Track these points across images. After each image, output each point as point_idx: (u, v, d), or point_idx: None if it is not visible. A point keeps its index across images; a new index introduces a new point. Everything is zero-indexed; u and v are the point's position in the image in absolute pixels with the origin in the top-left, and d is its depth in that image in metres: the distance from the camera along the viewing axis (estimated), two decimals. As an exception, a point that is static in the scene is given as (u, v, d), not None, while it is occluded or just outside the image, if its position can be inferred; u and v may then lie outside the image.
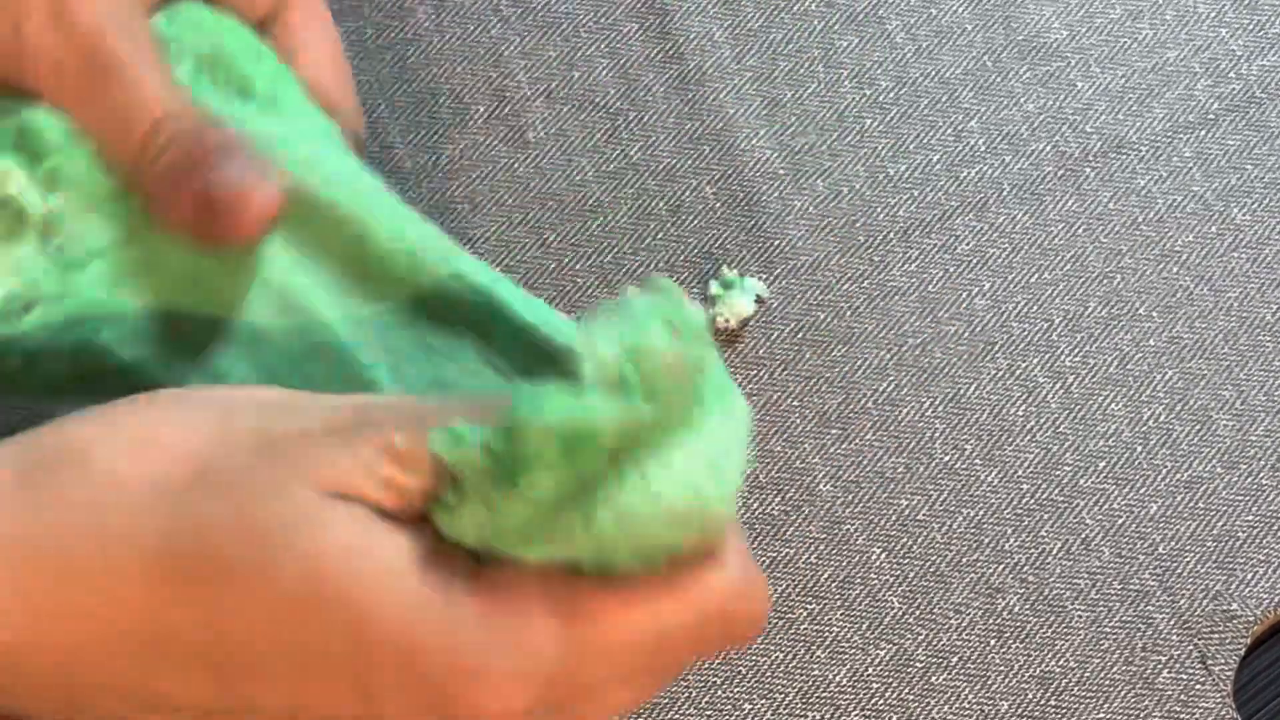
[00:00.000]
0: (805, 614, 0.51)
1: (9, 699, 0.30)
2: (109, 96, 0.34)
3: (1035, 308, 0.55)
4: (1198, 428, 0.54)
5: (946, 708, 0.51)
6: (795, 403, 0.53)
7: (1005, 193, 0.56)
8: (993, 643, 0.51)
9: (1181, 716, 0.51)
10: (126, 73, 0.34)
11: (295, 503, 0.29)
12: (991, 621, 0.51)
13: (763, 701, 0.50)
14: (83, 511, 0.29)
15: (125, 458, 0.30)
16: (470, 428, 0.30)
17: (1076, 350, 0.55)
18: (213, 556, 0.29)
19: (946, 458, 0.53)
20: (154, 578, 0.29)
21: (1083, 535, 0.53)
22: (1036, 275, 0.55)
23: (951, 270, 0.55)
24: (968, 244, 0.55)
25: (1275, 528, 0.53)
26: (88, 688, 0.30)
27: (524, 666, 0.29)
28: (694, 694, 0.50)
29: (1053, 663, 0.51)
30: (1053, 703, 0.51)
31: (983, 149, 0.56)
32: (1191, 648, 0.52)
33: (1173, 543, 0.53)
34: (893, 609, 0.51)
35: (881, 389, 0.53)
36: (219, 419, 0.30)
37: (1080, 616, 0.52)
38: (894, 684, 0.51)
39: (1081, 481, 0.53)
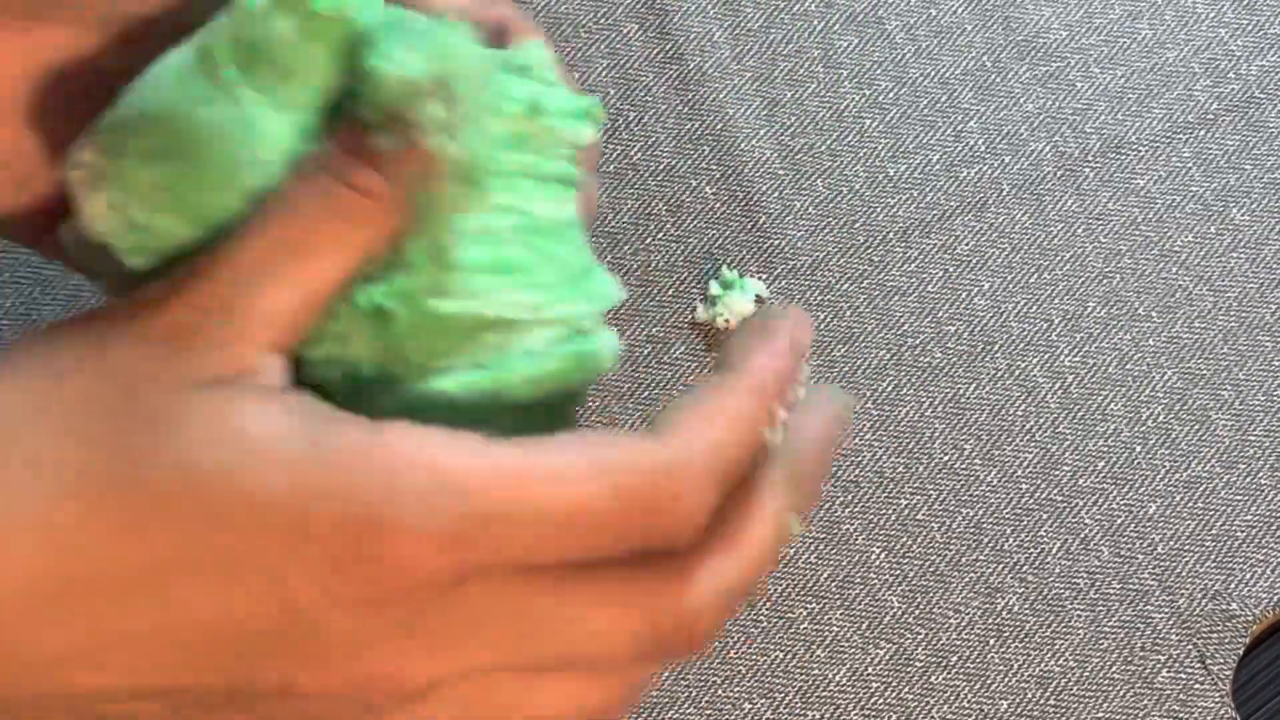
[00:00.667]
0: (805, 613, 0.51)
1: None
2: None
3: (1035, 307, 0.55)
4: (1197, 428, 0.54)
5: (946, 707, 0.51)
6: (795, 403, 0.53)
7: (1005, 193, 0.56)
8: (992, 642, 0.51)
9: (1180, 715, 0.51)
10: None
11: (143, 416, 0.27)
12: (991, 621, 0.52)
13: (763, 701, 0.50)
14: None
15: None
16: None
17: (1076, 350, 0.55)
18: (106, 494, 0.27)
19: (946, 458, 0.53)
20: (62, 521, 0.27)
21: (1082, 535, 0.53)
22: (1036, 275, 0.55)
23: (951, 270, 0.55)
24: (967, 244, 0.55)
25: (1274, 527, 0.53)
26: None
27: (434, 523, 0.26)
28: (694, 693, 0.50)
29: (1052, 662, 0.51)
30: (1052, 702, 0.51)
31: (982, 149, 0.56)
32: (1190, 647, 0.52)
33: (1172, 542, 0.53)
34: (892, 608, 0.51)
35: (881, 389, 0.53)
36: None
37: (1079, 616, 0.52)
38: (893, 683, 0.51)
39: (1081, 481, 0.53)
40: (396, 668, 0.28)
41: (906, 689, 0.51)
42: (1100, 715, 0.51)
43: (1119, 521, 0.53)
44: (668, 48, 0.56)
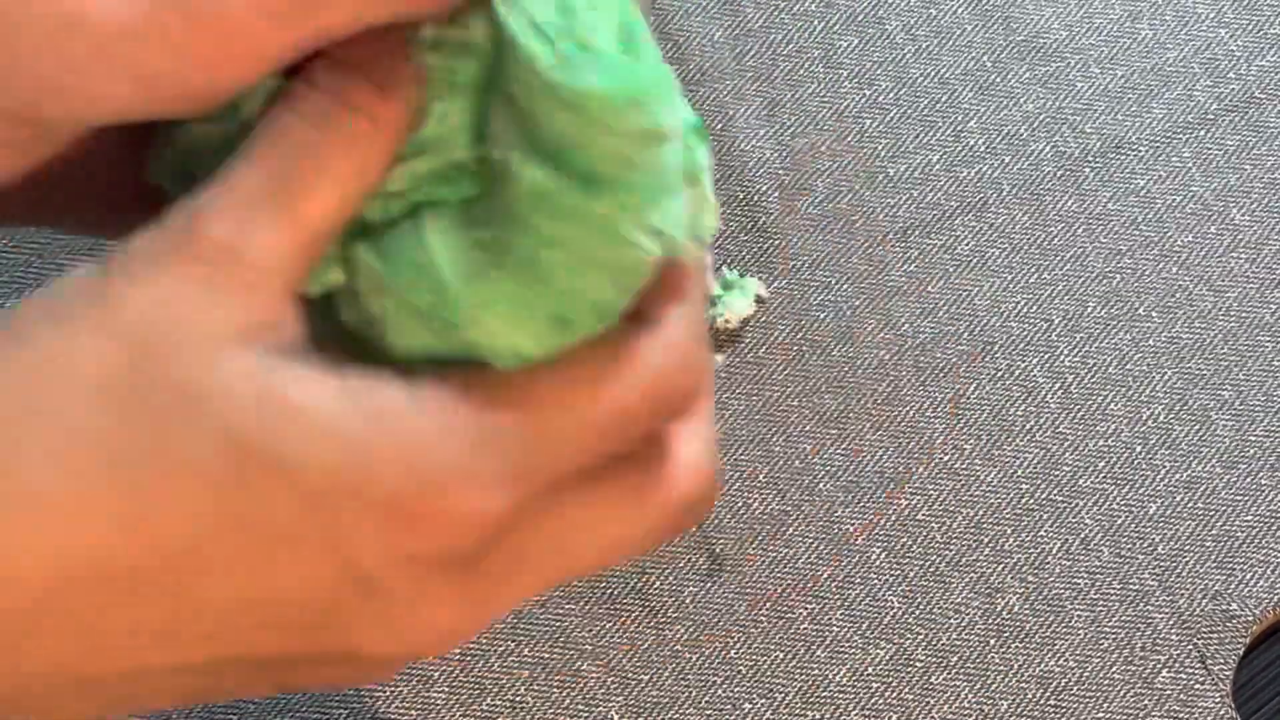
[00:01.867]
0: (805, 613, 0.51)
1: None
2: None
3: (1035, 308, 0.55)
4: (1197, 428, 0.54)
5: (946, 707, 0.51)
6: (795, 403, 0.53)
7: (1005, 193, 0.56)
8: (992, 642, 0.51)
9: (1181, 716, 0.51)
10: None
11: (172, 386, 0.26)
12: (991, 621, 0.52)
13: (762, 701, 0.50)
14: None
15: None
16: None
17: (1076, 350, 0.55)
18: (137, 472, 0.26)
19: (946, 458, 0.53)
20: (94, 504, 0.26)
21: (1082, 535, 0.53)
22: (1036, 275, 0.55)
23: (951, 270, 0.55)
24: (967, 244, 0.55)
25: (1274, 528, 0.53)
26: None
27: (488, 468, 0.27)
28: (694, 693, 0.50)
29: (1052, 662, 0.51)
30: (1052, 702, 0.51)
31: (982, 149, 0.56)
32: (1191, 647, 0.52)
33: (1172, 543, 0.53)
34: (892, 609, 0.51)
35: (881, 389, 0.53)
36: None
37: (1080, 616, 0.52)
38: (893, 683, 0.51)
39: (1081, 481, 0.53)
40: (451, 625, 0.28)
41: (906, 689, 0.51)
42: (1100, 715, 0.51)
43: (1119, 521, 0.53)
44: (668, 48, 0.56)
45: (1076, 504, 0.53)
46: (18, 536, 0.26)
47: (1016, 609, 0.52)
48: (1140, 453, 0.54)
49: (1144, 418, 0.54)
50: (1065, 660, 0.51)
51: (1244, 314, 0.55)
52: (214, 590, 0.27)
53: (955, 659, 0.51)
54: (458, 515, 0.27)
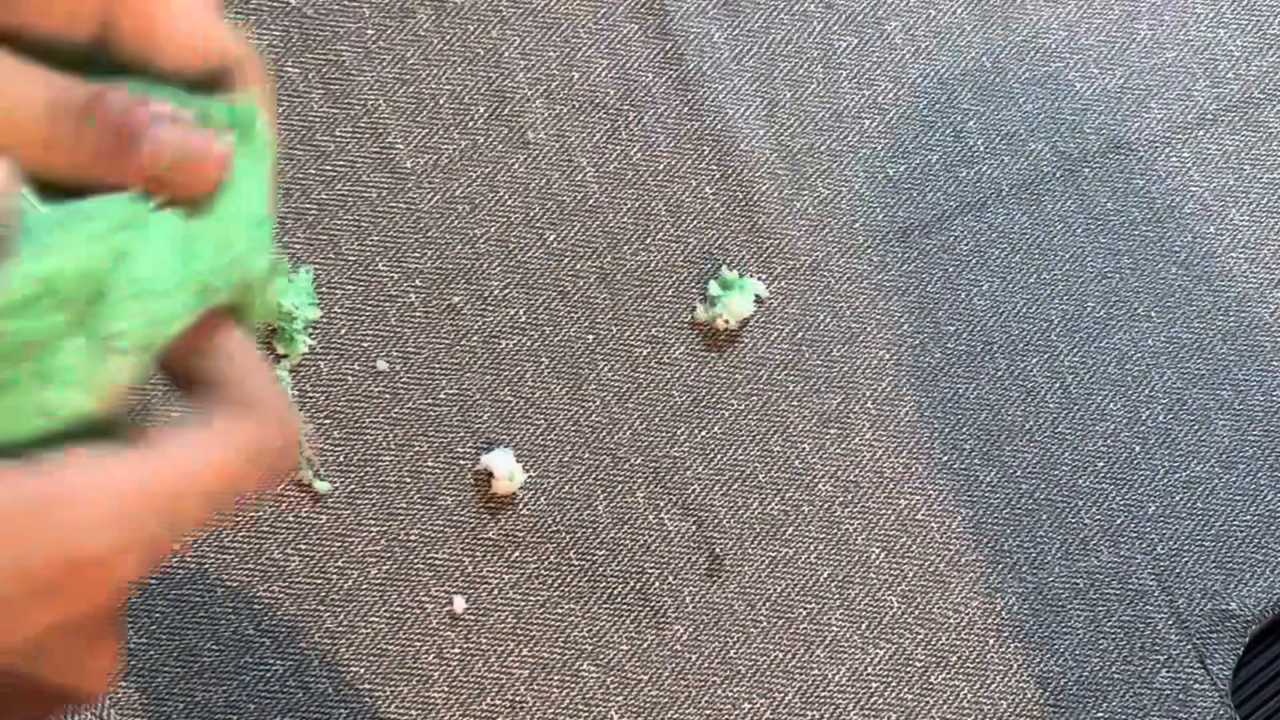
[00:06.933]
0: (805, 613, 0.51)
1: None
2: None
3: (1034, 308, 0.55)
4: (1196, 428, 0.54)
5: (945, 707, 0.51)
6: (795, 403, 0.53)
7: (1004, 193, 0.56)
8: (991, 642, 0.51)
9: (1179, 715, 0.51)
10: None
11: None
12: (990, 621, 0.52)
13: (762, 700, 0.50)
14: None
15: None
16: None
17: (1075, 350, 0.55)
18: None
19: (945, 457, 0.53)
20: None
21: (1081, 535, 0.53)
22: (1035, 275, 0.55)
23: (951, 270, 0.55)
24: (967, 244, 0.55)
25: (1273, 528, 0.53)
26: None
27: (127, 537, 0.30)
28: (694, 693, 0.50)
29: (1051, 662, 0.51)
30: (1051, 702, 0.51)
31: (981, 149, 0.56)
32: (1189, 647, 0.52)
33: (1171, 543, 0.53)
34: (892, 608, 0.51)
35: (881, 389, 0.54)
36: None
37: (1078, 616, 0.52)
38: (893, 683, 0.51)
39: (1080, 481, 0.53)
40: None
41: (906, 689, 0.51)
42: (1100, 715, 0.51)
43: (1118, 522, 0.53)
44: (668, 48, 0.56)
45: (1075, 504, 0.53)
46: None
47: (1016, 609, 0.52)
48: (1139, 453, 0.54)
49: (1143, 418, 0.54)
50: (1064, 660, 0.51)
51: (1243, 314, 0.55)
52: None
53: (954, 658, 0.51)
54: (108, 580, 0.30)
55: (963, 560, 0.52)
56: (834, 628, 0.51)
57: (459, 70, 0.55)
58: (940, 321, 0.54)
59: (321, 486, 0.51)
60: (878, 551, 0.52)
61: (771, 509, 0.52)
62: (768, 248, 0.54)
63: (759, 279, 0.54)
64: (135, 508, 0.32)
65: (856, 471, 0.53)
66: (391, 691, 0.49)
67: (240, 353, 0.35)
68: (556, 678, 0.49)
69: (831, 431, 0.53)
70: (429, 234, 0.53)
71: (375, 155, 0.53)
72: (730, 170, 0.55)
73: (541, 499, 0.51)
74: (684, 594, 0.51)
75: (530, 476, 0.51)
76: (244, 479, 0.34)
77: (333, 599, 0.50)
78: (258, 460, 0.33)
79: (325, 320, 0.52)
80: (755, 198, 0.55)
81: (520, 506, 0.51)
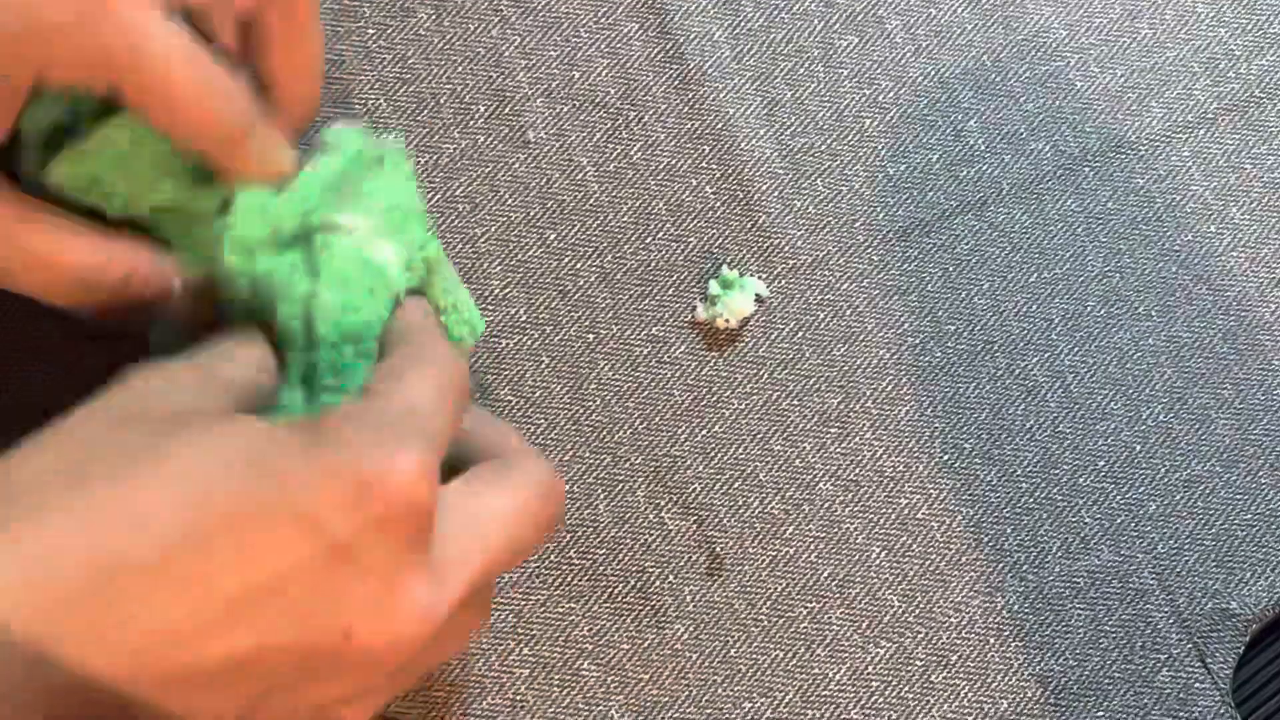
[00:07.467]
0: (805, 613, 0.51)
1: None
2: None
3: (1034, 307, 0.55)
4: (1196, 427, 0.54)
5: (946, 706, 0.51)
6: (795, 402, 0.53)
7: (1004, 192, 0.56)
8: (992, 641, 0.51)
9: (1180, 715, 0.51)
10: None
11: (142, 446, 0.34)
12: (991, 620, 0.52)
13: (762, 700, 0.50)
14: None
15: None
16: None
17: (1075, 349, 0.55)
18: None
19: (946, 457, 0.53)
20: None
21: (1082, 534, 0.53)
22: (1036, 275, 0.55)
23: (951, 270, 0.55)
24: (967, 244, 0.55)
25: (1274, 527, 0.53)
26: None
27: (396, 435, 0.35)
28: (694, 693, 0.50)
29: (1052, 661, 0.51)
30: (1052, 701, 0.51)
31: (982, 148, 0.56)
32: (1190, 646, 0.52)
33: (1171, 541, 0.53)
34: (892, 608, 0.51)
35: (881, 389, 0.54)
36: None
37: (1079, 615, 0.52)
38: (893, 682, 0.51)
39: (1080, 480, 0.53)
40: (428, 600, 0.35)
41: (906, 688, 0.51)
42: (1100, 714, 0.51)
43: (1119, 521, 0.53)
44: (668, 48, 0.56)
45: (1076, 503, 0.53)
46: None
47: (1016, 608, 0.52)
48: (1140, 452, 0.54)
49: (1143, 417, 0.54)
50: (1065, 659, 0.51)
51: (1243, 313, 0.55)
52: (216, 580, 0.32)
53: (955, 658, 0.51)
54: (398, 472, 0.33)
55: (963, 559, 0.52)
56: (834, 627, 0.51)
57: (459, 70, 0.55)
58: (940, 321, 0.54)
59: None
60: (878, 550, 0.52)
61: (772, 508, 0.52)
62: (768, 247, 0.54)
63: (759, 278, 0.54)
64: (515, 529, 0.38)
65: (857, 470, 0.53)
66: (392, 691, 0.49)
67: (482, 418, 0.42)
68: (557, 677, 0.50)
69: (832, 431, 0.53)
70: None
71: (376, 155, 0.53)
72: (730, 169, 0.55)
73: (542, 498, 0.51)
74: (684, 593, 0.51)
75: (530, 476, 0.51)
76: (551, 520, 0.39)
77: (333, 598, 0.50)
78: (557, 502, 0.40)
79: (326, 320, 0.52)
80: (755, 197, 0.55)
81: (520, 506, 0.51)
